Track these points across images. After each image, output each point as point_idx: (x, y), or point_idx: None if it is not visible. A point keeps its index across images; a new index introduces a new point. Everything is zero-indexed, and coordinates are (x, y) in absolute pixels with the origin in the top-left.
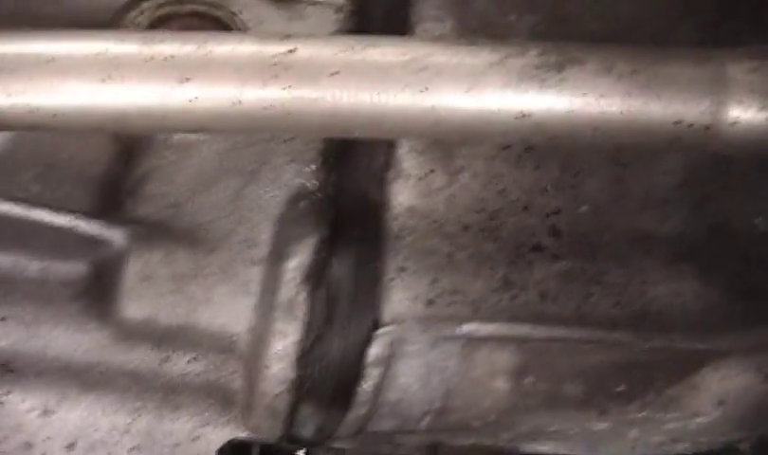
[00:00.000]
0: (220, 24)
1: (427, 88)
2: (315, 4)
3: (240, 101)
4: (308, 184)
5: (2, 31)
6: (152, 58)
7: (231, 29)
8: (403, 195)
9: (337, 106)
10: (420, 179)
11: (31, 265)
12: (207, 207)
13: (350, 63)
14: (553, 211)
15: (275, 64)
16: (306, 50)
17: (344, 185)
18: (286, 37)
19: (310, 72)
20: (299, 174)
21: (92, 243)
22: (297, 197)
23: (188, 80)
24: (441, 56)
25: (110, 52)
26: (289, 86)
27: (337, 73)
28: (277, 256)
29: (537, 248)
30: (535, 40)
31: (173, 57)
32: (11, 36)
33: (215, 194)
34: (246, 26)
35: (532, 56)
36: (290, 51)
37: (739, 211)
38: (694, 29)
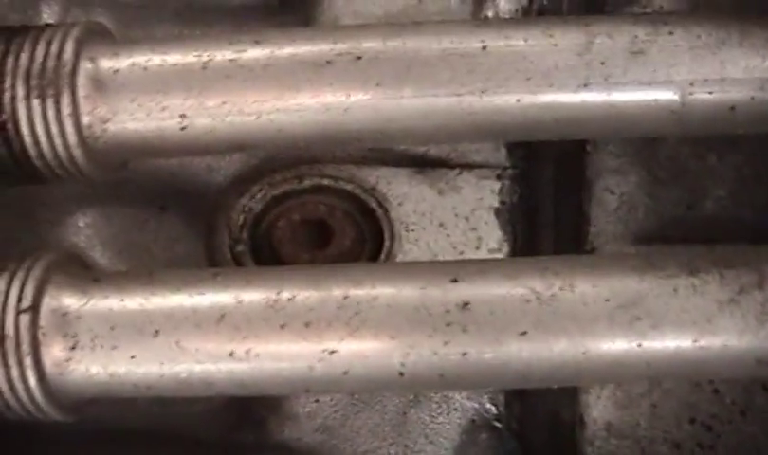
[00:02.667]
0: (351, 200)
1: (641, 344)
2: (470, 168)
3: (402, 374)
4: (486, 407)
5: None
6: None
7: (368, 208)
8: (598, 408)
9: (527, 367)
10: (617, 386)
11: None
12: (364, 432)
13: (541, 318)
14: None
15: (448, 325)
16: (483, 303)
17: (528, 402)
18: (453, 281)
19: (491, 333)
20: (472, 396)
21: None
22: (474, 428)
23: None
24: (656, 297)
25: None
26: (464, 354)
27: (525, 334)
28: None
29: None
30: (743, 186)
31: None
32: None
33: (372, 417)
34: (386, 201)
35: None
36: (465, 306)
37: None
38: None
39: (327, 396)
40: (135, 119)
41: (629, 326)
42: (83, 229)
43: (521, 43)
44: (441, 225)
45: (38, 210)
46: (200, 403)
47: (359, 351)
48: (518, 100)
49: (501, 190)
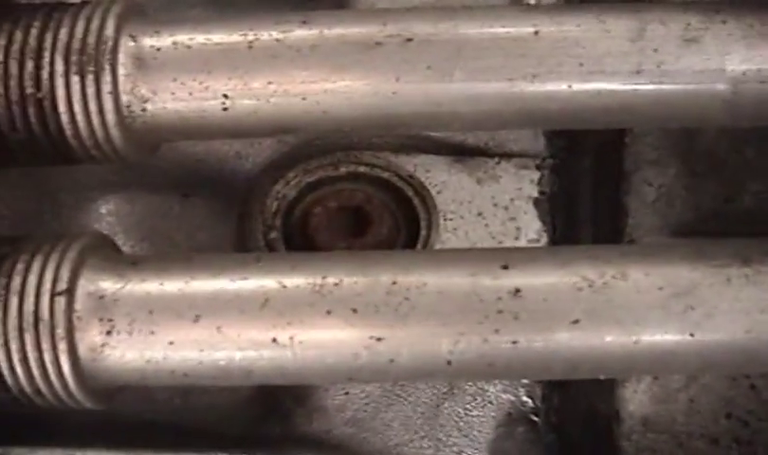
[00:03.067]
0: (388, 188)
1: (693, 334)
2: (509, 158)
3: (450, 363)
4: (522, 400)
5: None
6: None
7: (405, 196)
8: (635, 403)
9: (578, 356)
10: (654, 380)
11: None
12: (396, 425)
13: (593, 306)
14: None
15: (499, 312)
16: (535, 290)
17: (565, 395)
18: (503, 267)
19: (543, 321)
20: (507, 388)
21: None
22: (510, 421)
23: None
24: (709, 286)
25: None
26: (514, 342)
27: (577, 322)
28: None
29: None
30: None
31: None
32: None
33: (404, 410)
34: (426, 190)
35: None
36: (516, 293)
37: None
38: None
39: (357, 388)
40: (176, 99)
41: (682, 315)
42: (105, 216)
43: (574, 28)
44: (479, 214)
45: (60, 195)
46: (224, 395)
47: (407, 338)
48: (569, 86)
49: (540, 180)
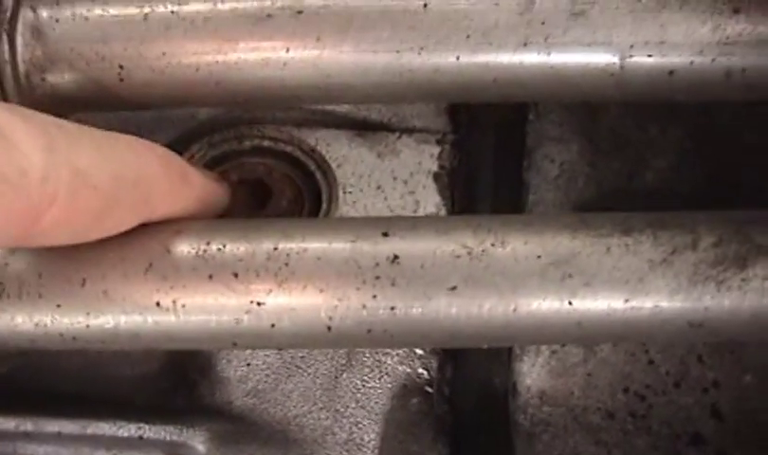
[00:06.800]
0: (291, 161)
1: (572, 302)
2: (410, 133)
3: (330, 328)
4: (417, 372)
5: None
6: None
7: (308, 169)
8: (532, 377)
9: (456, 323)
10: (552, 354)
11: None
12: (295, 396)
13: (471, 273)
14: (711, 385)
15: (377, 278)
16: (413, 257)
17: (461, 368)
18: (384, 234)
19: (420, 287)
20: (404, 360)
21: (167, 444)
22: (405, 392)
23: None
24: (588, 255)
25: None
26: (392, 308)
27: (454, 289)
28: None
29: (696, 441)
30: (683, 159)
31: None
32: None
33: (303, 381)
34: (327, 164)
35: (705, 249)
36: (395, 259)
37: None
38: None
39: (259, 360)
40: (73, 69)
41: (560, 283)
42: None
43: (463, 1)
44: (379, 187)
45: None
46: (135, 368)
47: (287, 303)
48: (457, 59)
49: (440, 155)
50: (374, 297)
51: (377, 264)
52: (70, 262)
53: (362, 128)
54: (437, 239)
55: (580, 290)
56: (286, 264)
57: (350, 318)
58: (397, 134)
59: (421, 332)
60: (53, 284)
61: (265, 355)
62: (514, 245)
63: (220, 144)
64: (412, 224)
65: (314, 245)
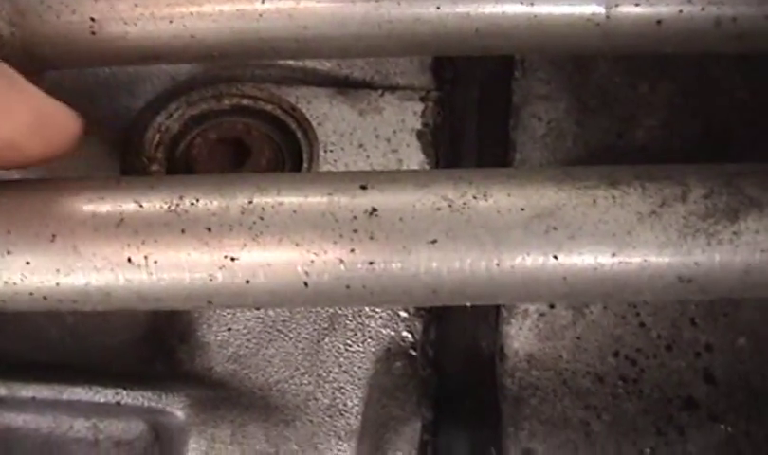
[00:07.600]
0: (271, 120)
1: (557, 256)
2: (393, 90)
3: (307, 284)
4: (401, 335)
5: None
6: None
7: (288, 128)
8: (519, 340)
9: (437, 278)
10: (540, 316)
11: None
12: (277, 361)
13: (452, 226)
14: (704, 348)
15: (354, 231)
16: (392, 210)
17: (446, 331)
18: (362, 187)
19: (399, 241)
20: (388, 323)
21: (146, 410)
22: (389, 356)
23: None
24: (573, 208)
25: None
26: (371, 263)
27: (435, 242)
28: (373, 441)
29: (689, 405)
30: (674, 116)
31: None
32: None
33: (285, 346)
34: (307, 122)
35: (696, 201)
36: (373, 212)
37: None
38: None
39: (240, 324)
40: (43, 22)
41: (544, 237)
42: None
43: None
44: (361, 146)
45: None
46: (115, 336)
47: (262, 258)
48: (437, 8)
49: (424, 112)
50: (352, 251)
51: (355, 218)
52: (41, 217)
53: (344, 86)
54: (417, 192)
55: (566, 243)
56: (261, 218)
57: (327, 272)
58: (380, 91)
59: (401, 287)
60: (22, 240)
61: (246, 320)
62: (496, 198)
63: (198, 103)
64: (392, 177)
65: (289, 198)
